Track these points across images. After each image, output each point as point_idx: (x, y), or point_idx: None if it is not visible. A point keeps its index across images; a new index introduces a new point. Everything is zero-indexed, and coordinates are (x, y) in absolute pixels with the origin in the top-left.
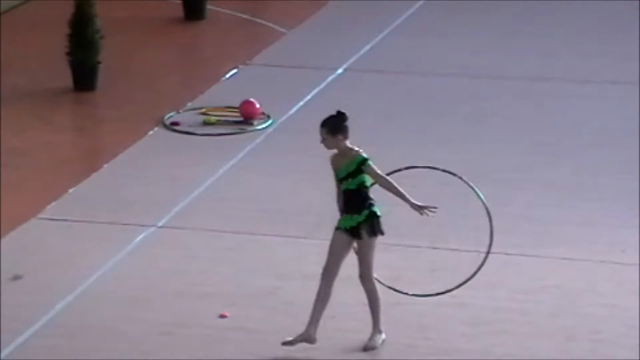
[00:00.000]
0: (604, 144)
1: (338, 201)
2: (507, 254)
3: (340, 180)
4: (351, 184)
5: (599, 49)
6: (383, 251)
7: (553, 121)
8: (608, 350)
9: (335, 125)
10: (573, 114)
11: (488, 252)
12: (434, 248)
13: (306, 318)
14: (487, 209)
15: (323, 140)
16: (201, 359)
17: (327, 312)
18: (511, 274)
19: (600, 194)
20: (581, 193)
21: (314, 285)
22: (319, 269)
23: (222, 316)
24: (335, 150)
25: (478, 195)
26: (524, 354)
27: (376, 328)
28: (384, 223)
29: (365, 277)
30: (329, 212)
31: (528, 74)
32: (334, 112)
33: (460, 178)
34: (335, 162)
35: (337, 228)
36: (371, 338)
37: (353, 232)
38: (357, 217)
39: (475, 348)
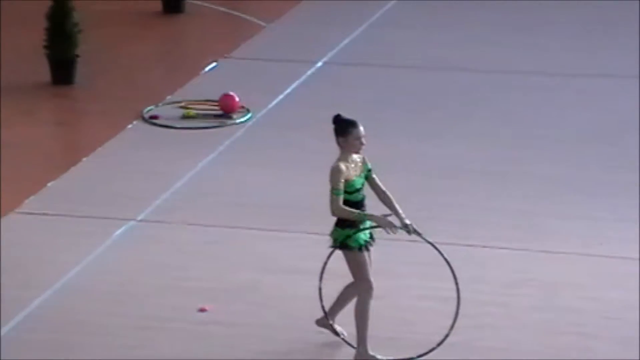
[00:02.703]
0: (592, 138)
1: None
2: (489, 247)
3: (355, 190)
4: (361, 191)
5: (590, 42)
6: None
7: (541, 115)
8: (589, 342)
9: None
10: (562, 107)
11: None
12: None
13: (289, 311)
14: (457, 285)
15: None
16: (183, 353)
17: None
18: (493, 268)
19: (582, 188)
20: (563, 186)
21: (296, 279)
22: (300, 263)
23: (202, 310)
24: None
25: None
26: (506, 348)
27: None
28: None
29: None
30: (309, 205)
31: (517, 67)
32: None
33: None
34: (346, 171)
35: (360, 247)
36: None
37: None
38: (368, 225)
39: (457, 341)
